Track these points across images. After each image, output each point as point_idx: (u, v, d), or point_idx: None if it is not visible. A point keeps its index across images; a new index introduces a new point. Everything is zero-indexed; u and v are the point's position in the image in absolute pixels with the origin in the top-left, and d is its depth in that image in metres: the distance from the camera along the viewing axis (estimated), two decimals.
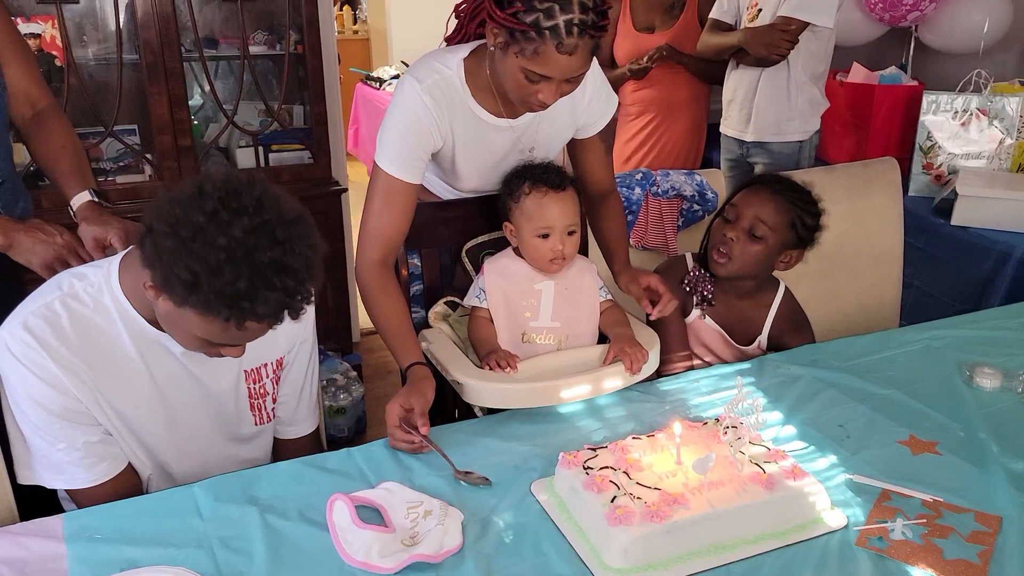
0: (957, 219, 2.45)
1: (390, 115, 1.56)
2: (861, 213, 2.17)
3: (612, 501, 1.15)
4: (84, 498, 1.30)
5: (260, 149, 2.96)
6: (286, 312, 1.14)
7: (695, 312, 1.75)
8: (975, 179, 2.49)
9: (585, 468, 1.22)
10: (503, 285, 1.60)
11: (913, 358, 1.67)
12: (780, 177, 1.74)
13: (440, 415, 1.75)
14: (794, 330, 1.77)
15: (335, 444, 2.69)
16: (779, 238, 1.66)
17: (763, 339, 1.76)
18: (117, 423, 1.30)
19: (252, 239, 1.07)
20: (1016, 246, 2.31)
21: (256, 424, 1.45)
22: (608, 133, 1.76)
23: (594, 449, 1.27)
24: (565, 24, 1.34)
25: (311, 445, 1.55)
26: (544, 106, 1.47)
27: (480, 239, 1.75)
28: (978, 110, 2.60)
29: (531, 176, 1.57)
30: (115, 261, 1.29)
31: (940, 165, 2.67)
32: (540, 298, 1.59)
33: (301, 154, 3.00)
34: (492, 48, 1.46)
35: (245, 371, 1.39)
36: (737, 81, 2.76)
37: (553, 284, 1.60)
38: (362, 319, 3.62)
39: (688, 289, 1.75)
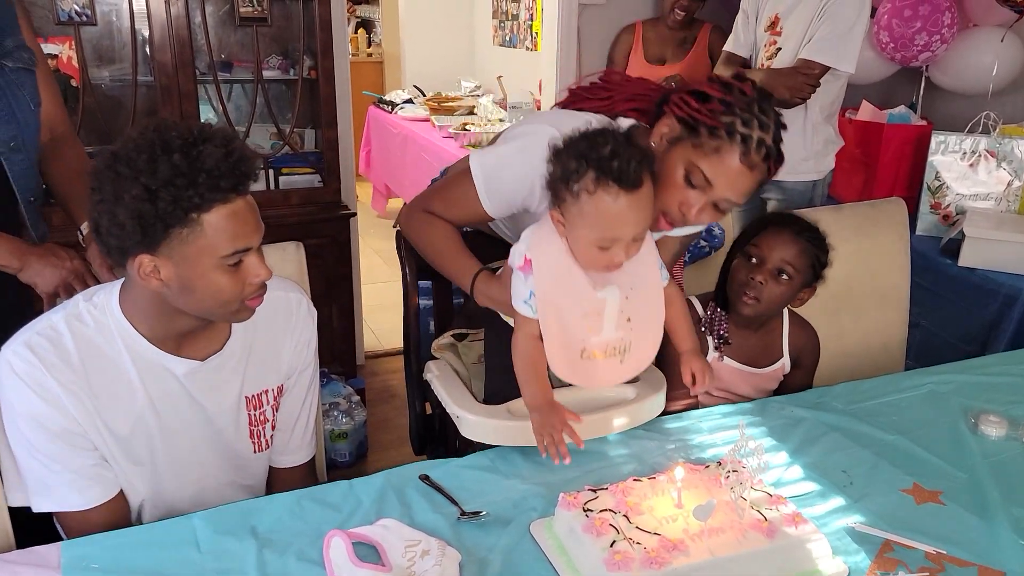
0: (965, 260, 2.44)
1: (518, 150, 1.47)
2: (868, 253, 2.17)
3: (611, 546, 1.14)
4: (73, 523, 1.29)
5: (270, 172, 2.98)
6: (237, 163, 1.16)
7: (711, 354, 1.75)
8: (983, 220, 2.49)
9: (585, 510, 1.22)
10: (556, 296, 1.35)
11: (918, 403, 1.66)
12: (797, 217, 1.75)
13: (442, 446, 1.75)
14: (808, 343, 1.82)
15: (336, 469, 2.70)
16: (802, 278, 1.70)
17: (786, 361, 1.79)
18: (112, 446, 1.30)
19: (165, 140, 1.13)
20: (1023, 289, 2.30)
21: (255, 452, 1.45)
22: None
23: (595, 490, 1.26)
24: (758, 140, 1.35)
25: (304, 477, 1.55)
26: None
27: (497, 264, 1.67)
28: (986, 151, 2.60)
29: (599, 165, 1.25)
30: (116, 284, 1.30)
31: (948, 205, 2.67)
32: (604, 308, 1.37)
33: (311, 177, 3.02)
34: (655, 144, 1.42)
35: (246, 397, 1.39)
36: (742, 70, 2.74)
37: (618, 290, 1.36)
38: (367, 341, 3.63)
39: (704, 330, 1.75)
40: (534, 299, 1.35)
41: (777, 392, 1.81)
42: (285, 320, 1.42)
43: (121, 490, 1.34)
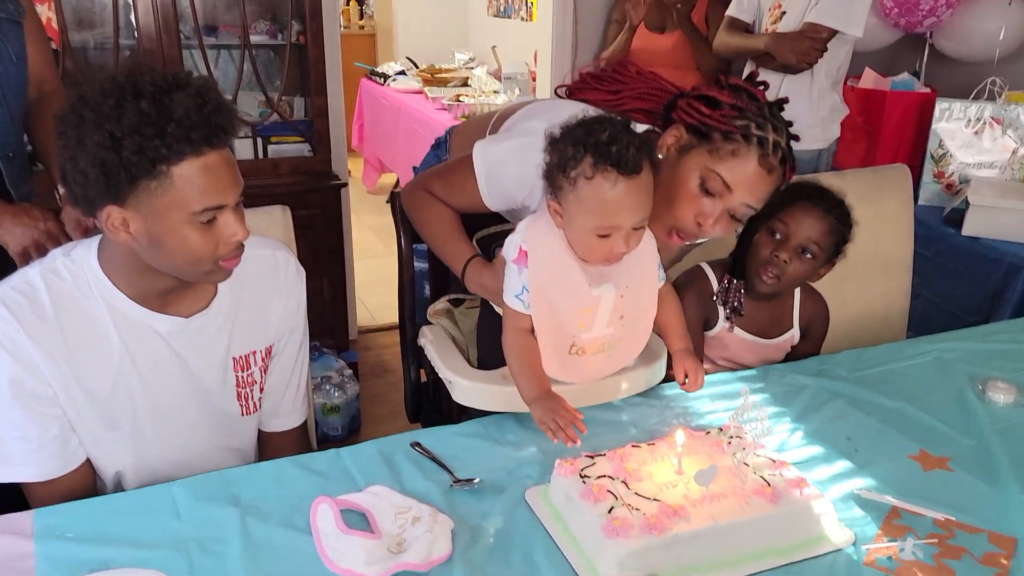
0: (968, 229, 2.39)
1: (521, 148, 1.42)
2: (871, 221, 2.10)
3: (609, 512, 1.10)
4: (34, 492, 1.25)
5: (259, 140, 2.91)
6: (211, 115, 1.10)
7: (722, 324, 1.70)
8: (987, 189, 2.44)
9: (582, 476, 1.17)
10: (550, 291, 1.32)
11: (923, 370, 1.61)
12: (827, 192, 1.65)
13: (437, 414, 1.70)
14: (819, 313, 1.76)
15: (328, 443, 2.66)
16: (825, 257, 1.64)
17: (795, 331, 1.74)
18: (87, 409, 1.25)
19: (136, 85, 1.07)
20: None
21: (243, 414, 1.39)
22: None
23: (592, 457, 1.22)
24: (774, 142, 1.31)
25: (297, 441, 1.50)
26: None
27: (492, 230, 1.64)
28: (992, 118, 2.54)
29: (597, 150, 1.21)
30: (95, 239, 1.24)
31: (951, 174, 2.62)
32: (598, 306, 1.33)
33: (301, 147, 2.96)
34: (662, 156, 1.36)
35: (233, 358, 1.34)
36: (755, 70, 2.69)
37: (614, 288, 1.33)
38: (361, 317, 3.57)
39: (715, 300, 1.69)
40: (527, 294, 1.31)
41: (782, 363, 1.75)
42: (272, 279, 1.36)
43: (86, 461, 1.29)
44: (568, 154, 1.24)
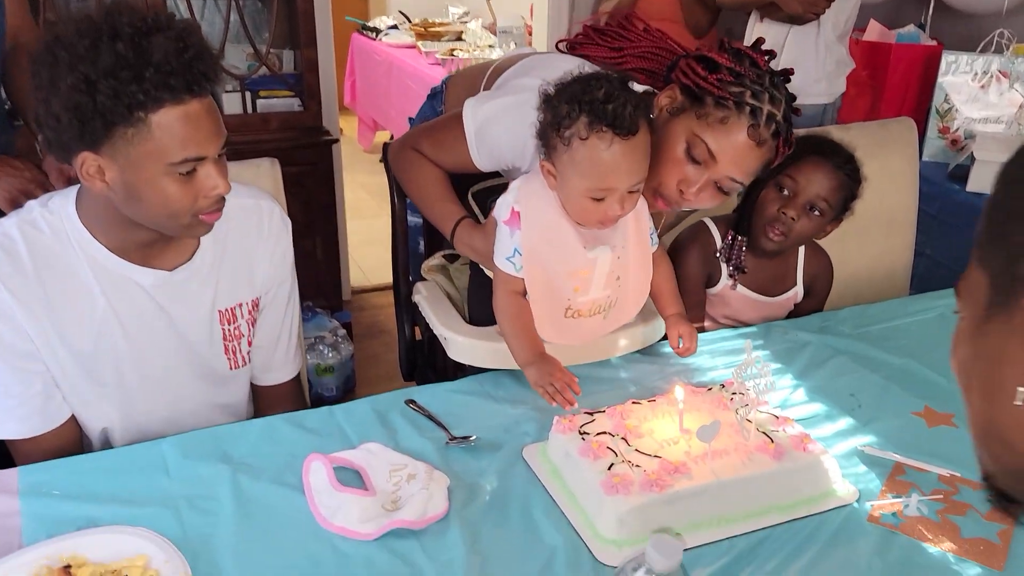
0: (973, 185, 2.35)
1: (514, 106, 1.37)
2: (876, 176, 2.04)
3: (609, 469, 1.07)
4: (19, 448, 1.22)
5: (247, 95, 2.83)
6: (192, 60, 1.05)
7: (724, 281, 1.65)
8: (993, 145, 2.39)
9: (581, 433, 1.14)
10: (544, 253, 1.28)
11: (927, 327, 1.58)
12: (837, 146, 1.58)
13: (432, 372, 1.67)
14: (823, 271, 1.72)
15: (322, 404, 2.63)
16: (833, 214, 1.57)
17: (799, 289, 1.69)
18: (71, 366, 1.21)
19: (114, 25, 1.02)
20: None
21: (231, 368, 1.36)
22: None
23: (591, 413, 1.19)
24: (768, 113, 1.24)
25: (292, 393, 1.47)
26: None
27: (488, 183, 1.59)
28: (999, 72, 2.49)
29: (592, 109, 1.16)
30: (74, 189, 1.20)
31: (956, 129, 2.57)
32: (594, 268, 1.29)
33: (291, 101, 2.88)
34: (654, 116, 1.29)
35: (219, 311, 1.30)
36: (761, 37, 2.62)
37: (610, 249, 1.29)
38: (354, 277, 3.53)
39: (719, 257, 1.64)
40: (519, 257, 1.28)
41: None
42: (257, 229, 1.32)
43: (71, 417, 1.26)
44: (562, 112, 1.19)
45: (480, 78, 1.59)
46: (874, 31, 2.88)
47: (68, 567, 0.95)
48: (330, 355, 2.70)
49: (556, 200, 1.27)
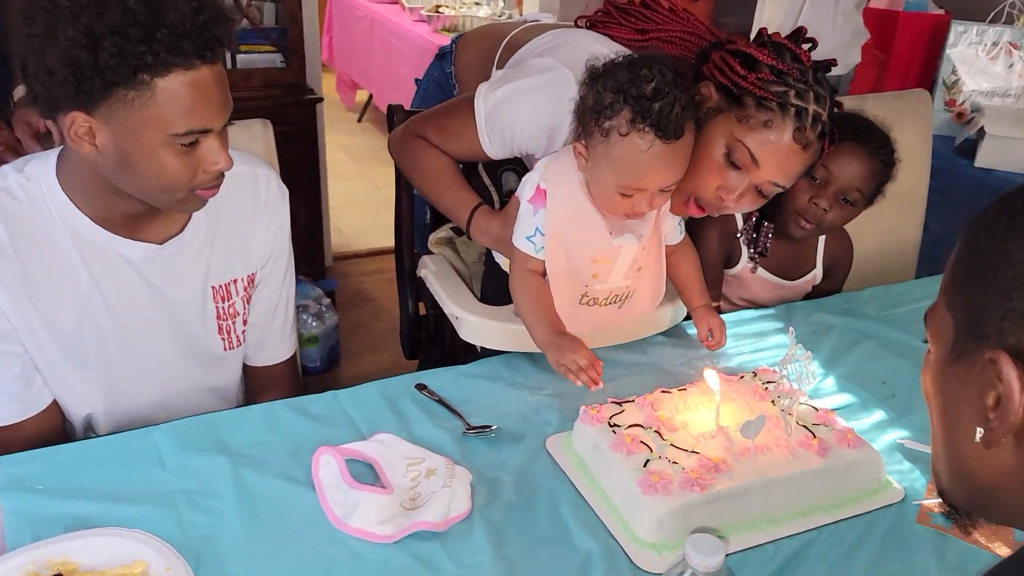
0: (982, 160, 2.30)
1: (528, 91, 1.29)
2: None
3: (645, 466, 1.00)
4: None
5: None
6: (207, 23, 0.95)
7: (744, 263, 1.57)
8: (1003, 119, 2.33)
9: (611, 425, 1.07)
10: (567, 235, 1.20)
11: None
12: (873, 129, 1.48)
13: (437, 350, 1.59)
14: (844, 253, 1.65)
15: (306, 375, 2.53)
16: (865, 202, 1.49)
17: (818, 272, 1.62)
18: (51, 347, 1.11)
19: None
20: None
21: (225, 349, 1.26)
22: None
23: (619, 403, 1.11)
24: (813, 114, 1.14)
25: (287, 375, 1.37)
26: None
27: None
28: (1009, 44, 2.42)
29: (638, 105, 1.08)
30: (53, 153, 1.08)
31: (963, 102, 2.51)
32: (618, 257, 1.22)
33: (273, 56, 2.73)
34: None
35: (212, 287, 1.20)
36: (776, 4, 2.53)
37: (636, 239, 1.21)
38: (335, 242, 3.41)
39: (739, 238, 1.56)
40: (540, 237, 1.20)
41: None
42: (253, 199, 1.22)
43: (53, 402, 1.16)
44: (605, 101, 1.11)
45: (495, 48, 1.48)
46: None
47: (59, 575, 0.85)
48: (314, 324, 2.60)
49: (584, 182, 1.20)
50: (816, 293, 1.65)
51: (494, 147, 1.34)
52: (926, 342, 0.70)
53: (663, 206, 1.24)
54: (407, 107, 1.58)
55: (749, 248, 1.56)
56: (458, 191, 1.36)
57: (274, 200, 1.25)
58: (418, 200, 1.57)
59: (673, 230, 1.32)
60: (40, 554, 0.88)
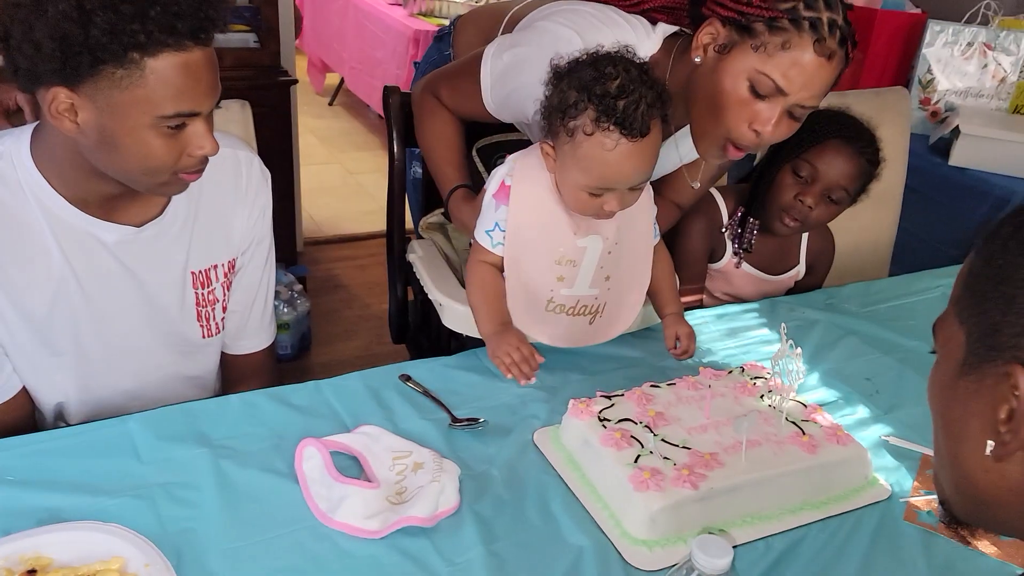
0: (956, 159, 2.32)
1: (530, 55, 1.25)
2: None
3: (636, 461, 0.99)
4: None
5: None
6: (204, 4, 0.93)
7: (728, 258, 1.57)
8: (978, 118, 2.36)
9: (601, 420, 1.05)
10: (530, 233, 1.18)
11: (933, 306, 1.53)
12: (859, 128, 1.49)
13: (424, 337, 1.56)
14: (826, 249, 1.67)
15: (278, 362, 2.49)
16: (850, 201, 1.50)
17: (801, 268, 1.63)
18: (22, 332, 1.07)
19: None
20: (1016, 192, 2.20)
21: (203, 337, 1.23)
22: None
23: (609, 397, 1.10)
24: (829, 21, 1.10)
25: (265, 363, 1.35)
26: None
27: (495, 138, 1.48)
28: (983, 44, 2.45)
29: (602, 104, 1.07)
30: (27, 130, 1.04)
31: (937, 101, 2.53)
32: (582, 258, 1.19)
33: (246, 36, 2.66)
34: (699, 59, 1.19)
35: (192, 273, 1.17)
36: None
37: (601, 241, 1.19)
38: (306, 227, 3.35)
39: (724, 232, 1.56)
40: (498, 232, 1.19)
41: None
42: (235, 183, 1.19)
43: (23, 390, 1.12)
44: (570, 100, 1.10)
45: (496, 28, 1.46)
46: None
47: (33, 571, 0.82)
48: (285, 311, 2.55)
49: (552, 181, 1.18)
50: (797, 288, 1.65)
51: (497, 108, 1.34)
52: (934, 352, 0.69)
53: (641, 212, 1.23)
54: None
55: (734, 243, 1.56)
56: (447, 166, 1.36)
57: (256, 183, 1.22)
58: (411, 184, 1.55)
59: (649, 231, 1.29)
60: (11, 548, 0.84)
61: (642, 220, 1.26)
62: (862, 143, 1.46)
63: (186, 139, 0.98)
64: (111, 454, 1.00)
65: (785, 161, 1.47)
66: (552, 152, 1.15)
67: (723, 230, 1.56)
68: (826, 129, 1.45)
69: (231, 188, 1.19)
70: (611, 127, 1.07)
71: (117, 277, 1.11)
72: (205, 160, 1.03)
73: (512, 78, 1.28)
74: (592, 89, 1.08)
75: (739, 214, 1.54)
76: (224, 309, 1.23)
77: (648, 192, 1.25)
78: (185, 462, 1.00)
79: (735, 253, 1.56)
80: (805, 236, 1.63)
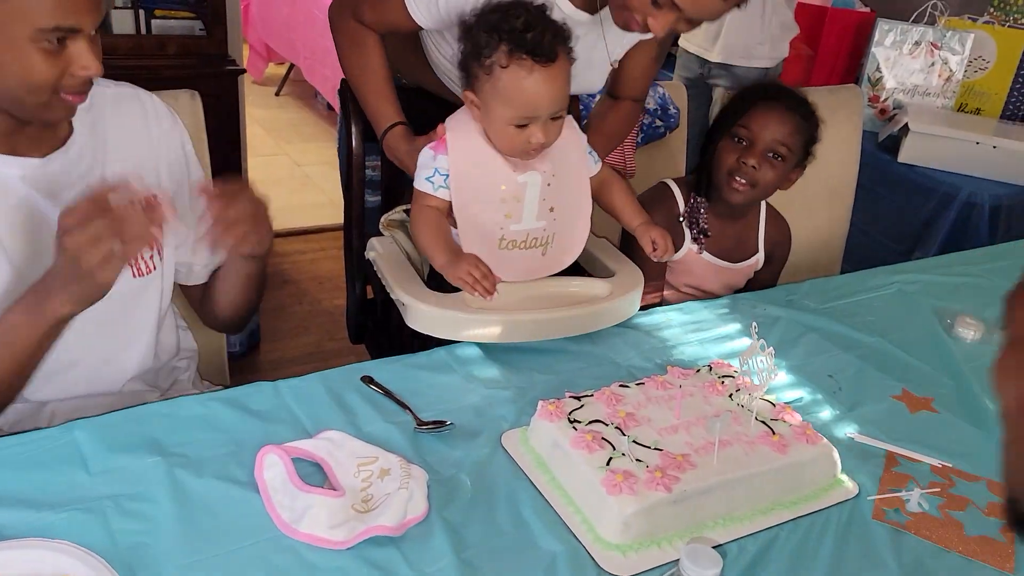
0: (905, 156, 2.37)
1: None
2: (823, 144, 2.02)
3: (608, 464, 0.97)
4: None
5: (141, 13, 2.51)
6: None
7: (688, 247, 1.59)
8: (926, 116, 2.41)
9: (571, 421, 1.03)
10: (473, 177, 1.26)
11: (889, 303, 1.56)
12: (787, 90, 1.56)
13: (384, 337, 1.52)
14: (783, 238, 1.70)
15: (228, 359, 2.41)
16: (795, 159, 1.54)
17: (760, 256, 1.67)
18: None
19: None
20: (962, 188, 2.25)
21: (134, 276, 1.15)
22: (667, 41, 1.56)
23: (578, 398, 1.08)
24: None
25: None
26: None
27: None
28: (930, 43, 2.50)
29: (512, 38, 1.17)
30: None
31: (886, 99, 2.58)
32: (524, 193, 1.26)
33: (192, 23, 2.57)
34: None
35: None
36: None
37: (539, 175, 1.26)
38: None
39: (682, 221, 1.58)
40: (439, 176, 1.26)
41: (743, 289, 1.68)
42: (142, 117, 1.17)
43: None
44: (482, 42, 1.20)
45: None
46: None
47: None
48: None
49: (483, 131, 1.26)
50: (757, 279, 1.67)
51: (421, 14, 1.35)
52: (1004, 329, 0.61)
53: (572, 145, 1.31)
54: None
55: (692, 230, 1.58)
56: (383, 101, 1.41)
57: (163, 116, 1.20)
58: (368, 181, 1.52)
59: (583, 161, 1.35)
60: None
61: (574, 152, 1.33)
62: (792, 101, 1.54)
63: (69, 57, 0.97)
64: (56, 464, 0.95)
65: (723, 132, 1.54)
66: (475, 99, 1.23)
67: (680, 219, 1.58)
68: (755, 94, 1.55)
69: (138, 121, 1.17)
70: (524, 56, 1.17)
71: (30, 218, 1.05)
72: (89, 83, 1.01)
73: None
74: (501, 27, 1.18)
75: (691, 201, 1.59)
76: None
77: (573, 124, 1.32)
78: (137, 472, 0.95)
79: (694, 239, 1.59)
80: (762, 222, 1.65)
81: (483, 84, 1.21)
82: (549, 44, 1.17)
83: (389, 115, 1.40)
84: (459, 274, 1.20)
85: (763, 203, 1.67)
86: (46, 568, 0.80)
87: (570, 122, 1.30)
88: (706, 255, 1.59)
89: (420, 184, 1.28)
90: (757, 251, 1.66)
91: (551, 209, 1.29)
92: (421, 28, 1.38)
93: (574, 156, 1.33)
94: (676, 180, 1.63)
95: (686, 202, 1.60)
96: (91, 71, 0.99)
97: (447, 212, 1.28)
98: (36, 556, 0.81)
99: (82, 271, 0.92)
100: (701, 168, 1.59)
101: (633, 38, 1.46)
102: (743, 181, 1.52)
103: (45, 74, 0.96)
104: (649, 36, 1.39)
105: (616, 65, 1.51)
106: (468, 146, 1.26)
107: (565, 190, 1.31)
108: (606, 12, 1.36)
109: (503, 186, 1.25)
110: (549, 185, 1.27)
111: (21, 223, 1.05)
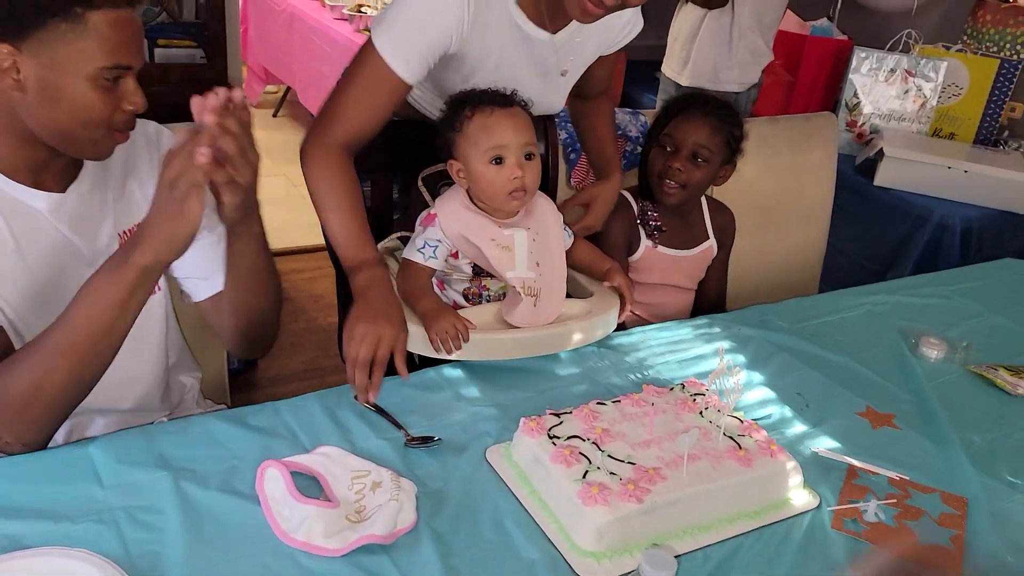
0: (881, 179, 2.46)
1: None
2: (799, 169, 2.13)
3: (584, 477, 1.04)
4: None
5: (145, 43, 2.60)
6: None
7: (645, 244, 1.76)
8: (901, 140, 2.50)
9: (551, 437, 1.11)
10: (468, 233, 1.35)
11: (858, 323, 1.64)
12: (706, 97, 1.75)
13: None
14: (728, 224, 1.87)
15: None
16: (719, 158, 1.71)
17: (712, 242, 1.84)
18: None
19: None
20: (934, 211, 2.34)
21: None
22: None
23: (558, 415, 1.16)
24: None
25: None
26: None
27: (440, 167, 1.51)
28: (905, 71, 2.60)
29: (471, 99, 1.36)
30: None
31: (863, 124, 2.67)
32: (513, 244, 1.36)
33: (193, 52, 2.67)
34: None
35: (119, 234, 1.19)
36: (683, 20, 2.64)
37: (524, 231, 1.37)
38: None
39: (638, 223, 1.76)
40: (429, 248, 1.36)
41: (706, 278, 1.85)
42: (145, 144, 1.23)
43: None
44: (454, 114, 1.36)
45: None
46: (791, 21, 2.94)
47: None
48: None
49: (467, 204, 1.38)
50: (715, 267, 1.85)
51: (414, 73, 1.36)
52: None
53: (551, 213, 1.43)
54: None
55: (646, 229, 1.76)
56: (363, 237, 1.34)
57: (168, 139, 1.25)
58: None
59: (560, 233, 1.46)
60: None
61: (551, 223, 1.44)
62: (709, 107, 1.70)
63: (121, 93, 1.04)
64: (72, 479, 1.02)
65: (653, 142, 1.75)
66: (457, 163, 1.36)
67: (637, 221, 1.76)
68: (677, 105, 1.73)
69: (142, 149, 1.22)
70: (483, 104, 1.34)
71: (58, 248, 1.12)
72: (134, 118, 1.09)
73: (403, 18, 1.34)
74: (463, 99, 1.37)
75: (641, 202, 1.77)
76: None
77: (548, 200, 1.47)
78: (147, 485, 1.02)
79: (649, 236, 1.76)
80: (706, 212, 1.83)
81: (459, 142, 1.35)
82: (505, 94, 1.36)
83: (370, 252, 1.33)
84: (444, 326, 1.26)
85: (703, 199, 1.83)
86: (66, 575, 0.87)
87: (545, 198, 1.46)
88: (662, 248, 1.77)
89: (410, 254, 1.37)
90: (708, 237, 1.83)
91: (537, 263, 1.37)
92: (408, 87, 1.38)
93: (551, 225, 1.43)
94: (629, 189, 1.81)
95: (638, 204, 1.78)
96: (138, 105, 1.06)
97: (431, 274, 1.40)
98: (57, 564, 0.88)
99: (175, 200, 0.95)
100: (640, 173, 1.79)
101: (593, 53, 1.56)
102: (673, 183, 1.70)
103: (102, 111, 1.03)
104: (613, 50, 1.54)
105: (576, 77, 1.60)
106: (456, 212, 1.37)
107: (547, 251, 1.40)
108: (563, 33, 1.45)
109: (493, 238, 1.35)
110: (535, 240, 1.38)
111: (46, 246, 1.12)
